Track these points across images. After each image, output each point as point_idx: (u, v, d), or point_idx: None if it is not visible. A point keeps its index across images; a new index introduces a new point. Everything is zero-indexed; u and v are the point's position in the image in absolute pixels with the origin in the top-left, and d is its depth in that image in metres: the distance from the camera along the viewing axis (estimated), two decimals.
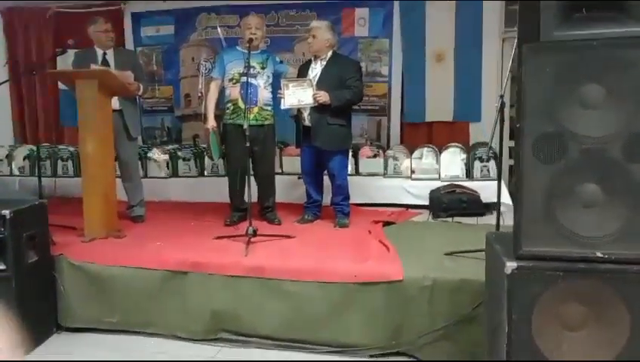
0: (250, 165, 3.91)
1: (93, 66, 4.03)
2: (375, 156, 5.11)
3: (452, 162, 4.87)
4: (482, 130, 5.28)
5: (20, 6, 6.06)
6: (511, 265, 2.16)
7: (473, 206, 4.38)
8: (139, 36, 5.98)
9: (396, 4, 5.32)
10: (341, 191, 4.11)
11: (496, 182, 4.74)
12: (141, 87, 4.23)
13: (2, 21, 6.21)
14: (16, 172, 5.68)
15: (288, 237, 3.73)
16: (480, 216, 4.39)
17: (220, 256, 3.35)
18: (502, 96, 3.07)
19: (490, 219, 4.33)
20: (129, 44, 5.97)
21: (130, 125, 4.23)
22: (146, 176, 5.38)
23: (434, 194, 4.53)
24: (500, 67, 5.26)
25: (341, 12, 5.32)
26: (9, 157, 5.72)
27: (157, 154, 5.44)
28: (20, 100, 6.21)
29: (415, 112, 5.35)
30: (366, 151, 5.13)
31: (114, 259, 3.39)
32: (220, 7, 5.71)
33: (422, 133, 5.42)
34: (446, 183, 4.68)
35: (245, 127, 3.55)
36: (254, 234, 3.55)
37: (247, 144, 3.61)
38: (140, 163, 5.28)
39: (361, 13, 5.44)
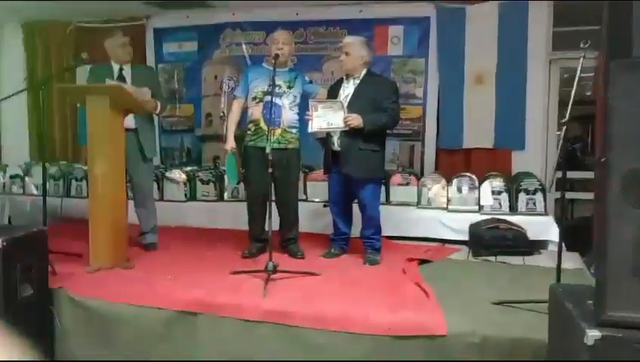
0: (272, 192, 3.55)
1: (108, 82, 3.75)
2: (407, 184, 4.70)
3: (493, 193, 4.42)
4: (526, 159, 4.85)
5: (41, 19, 5.87)
6: (593, 335, 1.74)
7: (519, 244, 3.92)
8: (160, 53, 5.73)
9: (433, 22, 4.95)
10: (372, 224, 3.71)
11: (544, 217, 4.35)
12: (159, 105, 3.94)
13: (22, 34, 6.03)
14: (33, 190, 5.42)
15: (312, 274, 3.34)
16: (527, 256, 3.92)
17: (235, 296, 2.97)
18: (564, 123, 2.63)
19: (538, 260, 3.88)
20: (150, 61, 5.72)
21: (145, 145, 3.93)
22: (162, 199, 5.08)
23: (474, 230, 4.08)
24: (547, 91, 4.84)
25: (373, 29, 4.97)
26: (24, 175, 5.47)
27: (175, 176, 5.12)
28: (36, 116, 5.99)
29: (452, 138, 4.93)
30: (397, 178, 4.73)
31: (118, 294, 3.04)
32: (246, 22, 5.43)
33: (459, 161, 5.00)
34: (487, 217, 4.23)
35: (267, 150, 3.19)
36: (274, 270, 3.17)
37: (270, 170, 3.25)
38: (156, 185, 5.02)
39: (395, 30, 5.09)
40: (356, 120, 3.43)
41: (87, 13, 5.69)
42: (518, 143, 4.86)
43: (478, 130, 4.87)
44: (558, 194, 4.95)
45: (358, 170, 3.56)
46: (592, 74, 5.51)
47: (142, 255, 3.88)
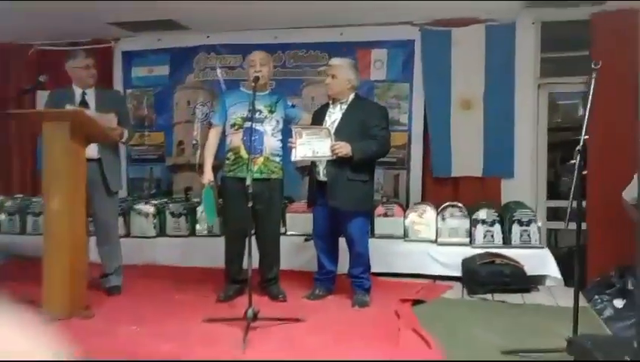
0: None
1: (68, 107, 3.38)
2: (386, 215, 4.41)
3: (485, 225, 4.17)
4: (516, 188, 4.64)
5: (2, 41, 5.47)
6: None
7: (517, 280, 3.66)
8: (129, 77, 5.37)
9: (417, 45, 4.75)
10: (361, 262, 3.40)
11: (539, 250, 4.10)
12: (125, 133, 3.58)
13: None
14: None
15: (297, 320, 2.99)
16: (525, 293, 3.66)
17: (209, 350, 2.61)
18: (580, 150, 2.38)
19: (537, 297, 3.62)
20: (118, 86, 5.35)
21: (109, 177, 3.55)
22: (129, 235, 4.67)
23: (469, 265, 3.81)
24: (536, 116, 4.66)
25: (356, 53, 4.73)
26: None
27: (143, 209, 4.73)
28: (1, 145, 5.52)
29: (440, 166, 4.68)
30: (380, 209, 4.44)
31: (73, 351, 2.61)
32: (221, 45, 5.14)
33: (447, 190, 4.74)
34: (480, 251, 3.97)
35: (248, 182, 2.86)
36: (255, 317, 2.81)
37: (250, 204, 2.91)
38: (122, 219, 4.62)
39: (378, 54, 4.87)
40: (345, 148, 3.14)
41: (51, 36, 5.32)
42: (507, 171, 4.65)
43: (467, 158, 4.65)
44: (552, 224, 4.80)
45: (347, 202, 3.26)
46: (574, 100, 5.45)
47: (104, 301, 3.47)
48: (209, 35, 5.12)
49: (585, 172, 2.48)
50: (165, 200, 5.04)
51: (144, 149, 5.39)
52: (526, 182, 4.65)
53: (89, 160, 3.40)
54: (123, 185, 5.33)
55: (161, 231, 4.72)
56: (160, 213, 4.77)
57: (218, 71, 5.16)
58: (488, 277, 3.63)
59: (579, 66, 4.70)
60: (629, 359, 1.60)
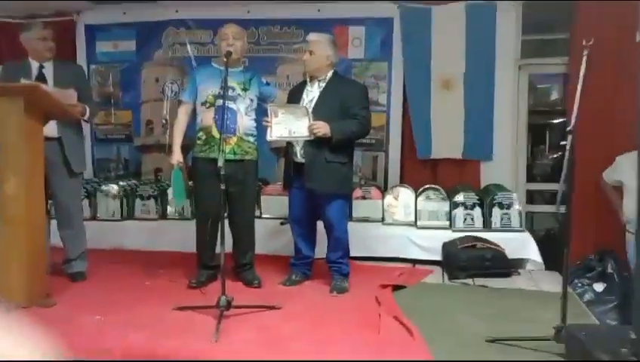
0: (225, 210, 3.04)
1: (23, 81, 3.13)
2: (364, 198, 4.29)
3: (465, 208, 4.08)
4: (495, 171, 4.56)
5: None
6: None
7: (498, 264, 3.59)
8: (93, 52, 5.07)
9: (397, 23, 4.59)
10: (340, 246, 3.27)
11: (520, 233, 4.03)
12: (87, 109, 3.34)
13: None
14: None
15: (272, 308, 2.85)
16: (506, 277, 3.59)
17: (179, 340, 2.45)
18: (570, 131, 2.28)
19: (518, 282, 3.55)
20: (81, 61, 5.03)
21: (71, 157, 3.32)
22: (95, 218, 4.44)
23: (449, 249, 3.72)
24: (516, 98, 4.57)
25: (332, 30, 4.53)
26: None
27: (110, 191, 4.49)
28: None
29: (420, 148, 4.56)
30: (358, 192, 4.31)
31: (31, 342, 2.42)
32: (191, 20, 4.89)
33: (425, 173, 4.63)
34: (461, 235, 3.88)
35: (220, 163, 2.68)
36: (228, 306, 2.66)
37: (223, 186, 2.73)
38: (87, 201, 4.39)
39: (356, 32, 4.70)
40: (323, 128, 2.99)
41: (9, 8, 4.97)
42: (487, 154, 4.56)
43: (447, 140, 4.54)
44: (532, 208, 4.74)
45: (325, 184, 3.11)
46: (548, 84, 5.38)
47: (67, 288, 3.26)
48: (178, 9, 4.85)
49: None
50: (134, 181, 4.82)
51: (110, 128, 5.13)
52: (506, 164, 4.58)
53: (48, 139, 3.16)
54: (88, 165, 5.14)
55: (129, 214, 4.50)
56: (128, 195, 4.55)
57: (188, 47, 4.92)
58: (469, 261, 3.55)
59: (559, 48, 4.64)
60: (626, 351, 1.51)
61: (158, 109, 5.02)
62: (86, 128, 5.00)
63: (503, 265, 3.60)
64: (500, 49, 4.45)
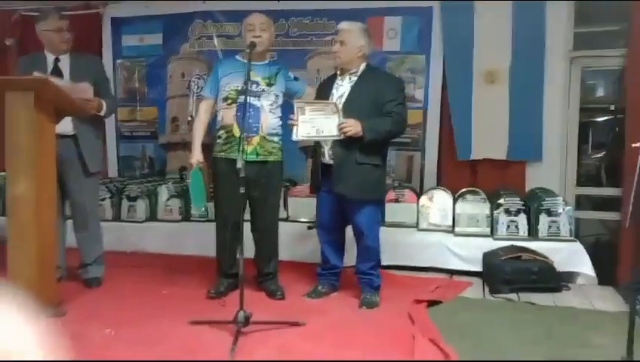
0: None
1: (36, 74, 2.95)
2: (397, 201, 3.99)
3: (509, 214, 3.73)
4: (541, 173, 4.18)
5: None
6: None
7: (546, 278, 3.24)
8: (119, 46, 4.92)
9: (436, 12, 4.26)
10: (370, 256, 2.99)
11: (570, 243, 3.65)
12: (104, 105, 3.15)
13: None
14: None
15: (295, 324, 2.60)
16: (555, 292, 3.24)
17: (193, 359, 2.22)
18: None
19: (569, 298, 3.20)
20: (107, 56, 4.90)
21: (87, 156, 3.15)
22: (118, 219, 4.28)
23: (492, 260, 3.38)
24: (567, 93, 4.18)
25: (366, 21, 4.22)
26: None
27: (132, 191, 4.33)
28: None
29: (460, 148, 4.22)
30: (391, 194, 4.01)
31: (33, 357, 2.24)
32: (218, 12, 4.67)
33: (465, 175, 4.29)
34: (503, 244, 3.54)
35: (239, 165, 2.44)
36: (246, 322, 2.42)
37: (242, 190, 2.49)
38: (109, 202, 4.24)
39: (392, 22, 4.38)
40: (354, 127, 2.70)
41: (35, 1, 4.86)
42: (535, 153, 4.18)
43: (490, 139, 4.18)
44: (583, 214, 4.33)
45: (355, 189, 2.83)
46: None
47: (81, 294, 3.10)
48: (205, 0, 4.64)
49: None
50: (158, 180, 4.66)
51: (135, 125, 4.97)
52: (554, 166, 4.19)
53: (63, 136, 3.02)
54: (113, 164, 5.01)
55: (152, 216, 4.33)
56: (151, 195, 4.38)
57: (215, 40, 4.70)
58: (514, 274, 3.21)
59: (615, 40, 4.23)
60: None
61: (184, 106, 4.83)
62: (111, 125, 4.94)
63: (552, 279, 3.25)
64: (551, 40, 4.06)
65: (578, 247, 3.54)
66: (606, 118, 5.02)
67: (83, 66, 3.19)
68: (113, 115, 4.81)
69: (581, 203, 4.53)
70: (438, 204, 3.94)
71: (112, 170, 5.01)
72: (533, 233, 3.67)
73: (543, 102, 4.12)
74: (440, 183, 4.34)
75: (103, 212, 4.20)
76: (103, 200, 4.24)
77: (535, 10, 4.04)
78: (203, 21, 4.71)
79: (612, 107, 4.87)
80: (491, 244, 3.61)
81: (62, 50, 3.16)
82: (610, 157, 4.71)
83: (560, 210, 3.64)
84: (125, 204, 4.32)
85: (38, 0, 4.66)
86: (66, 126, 3.01)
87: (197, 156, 3.03)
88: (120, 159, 5.01)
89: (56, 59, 3.15)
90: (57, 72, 3.11)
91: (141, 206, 4.28)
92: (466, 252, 3.63)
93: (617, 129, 4.55)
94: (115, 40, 4.93)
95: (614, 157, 4.78)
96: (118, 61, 4.94)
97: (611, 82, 4.88)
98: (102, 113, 3.18)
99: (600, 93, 4.98)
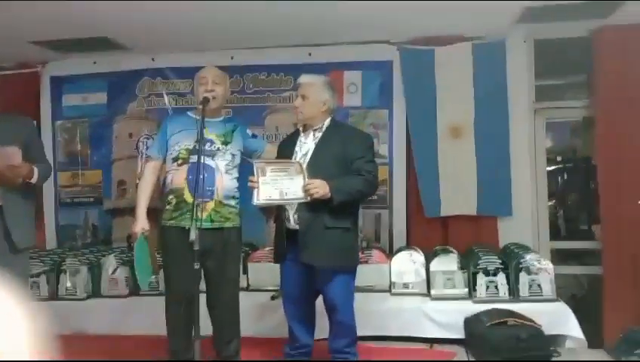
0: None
1: None
2: (366, 262, 3.70)
3: (487, 275, 3.49)
4: (514, 227, 4.01)
5: None
6: None
7: (536, 345, 2.96)
8: (59, 106, 4.55)
9: (396, 67, 4.14)
10: (345, 332, 2.65)
11: (554, 304, 3.42)
12: (35, 171, 2.76)
13: None
14: None
15: None
16: (545, 360, 2.97)
17: None
18: None
19: None
20: (46, 117, 4.54)
21: (14, 230, 2.72)
22: (55, 297, 3.79)
23: (475, 328, 3.10)
24: (533, 145, 4.08)
25: (326, 75, 4.08)
26: None
27: (73, 265, 3.86)
28: None
29: (427, 204, 4.02)
30: (360, 255, 3.70)
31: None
32: (168, 69, 4.41)
33: (435, 232, 4.08)
34: (484, 307, 3.27)
35: (193, 237, 2.10)
36: None
37: (196, 265, 2.15)
38: (44, 278, 3.77)
39: (352, 77, 4.23)
40: (321, 187, 2.43)
41: None
42: (505, 208, 4.02)
43: (458, 194, 4.00)
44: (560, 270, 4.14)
45: (325, 257, 2.53)
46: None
47: None
48: (154, 56, 4.39)
49: None
50: (102, 250, 4.21)
51: (77, 191, 4.54)
52: (526, 220, 4.03)
53: None
54: (51, 233, 4.54)
55: (95, 292, 3.86)
56: (94, 267, 3.92)
57: (165, 98, 4.42)
58: (501, 342, 2.93)
59: (577, 90, 4.23)
60: None
61: (132, 168, 4.46)
62: (49, 192, 4.50)
63: (542, 346, 2.98)
64: (514, 91, 3.99)
65: (563, 308, 3.32)
66: (571, 165, 4.98)
67: (11, 129, 2.81)
68: (52, 182, 4.45)
69: (555, 257, 4.37)
70: (409, 264, 3.67)
71: (50, 241, 4.52)
72: (514, 293, 3.44)
73: (509, 155, 4.00)
74: (410, 242, 4.10)
75: (37, 289, 3.74)
76: (37, 275, 3.77)
77: (496, 61, 3.98)
78: (152, 78, 4.44)
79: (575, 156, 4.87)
80: (471, 308, 3.34)
81: None
82: (580, 208, 4.63)
83: (539, 267, 3.43)
84: (63, 278, 3.84)
85: None
86: None
87: (142, 223, 2.67)
88: (59, 228, 4.53)
89: None
90: None
91: (82, 281, 3.81)
92: (445, 317, 3.35)
93: (586, 178, 4.49)
94: (54, 100, 4.56)
95: (584, 208, 4.70)
96: (59, 122, 4.57)
97: (573, 132, 4.89)
98: (33, 180, 2.78)
99: (564, 142, 4.98)
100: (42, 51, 4.27)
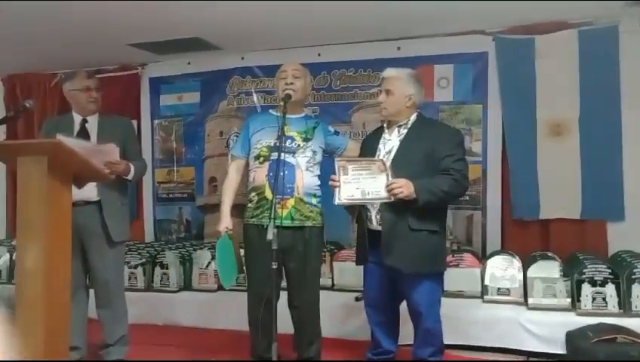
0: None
1: (59, 136, 2.73)
2: (457, 266, 3.49)
3: (594, 285, 3.16)
4: (627, 233, 3.61)
5: (24, 72, 5.05)
6: None
7: None
8: (157, 106, 4.78)
9: (492, 58, 3.88)
10: (431, 340, 2.50)
11: None
12: (132, 168, 2.89)
13: (4, 89, 5.20)
14: None
15: None
16: None
17: None
18: None
19: None
20: (146, 117, 4.79)
21: (111, 224, 2.86)
22: (149, 289, 3.96)
23: (578, 343, 2.80)
24: None
25: (415, 70, 3.91)
26: None
27: (165, 258, 4.02)
28: (12, 186, 5.03)
29: (522, 206, 3.74)
30: (450, 258, 3.51)
31: None
32: (257, 67, 4.46)
33: (534, 236, 3.78)
34: (591, 321, 2.96)
35: (270, 236, 2.06)
36: None
37: (274, 265, 2.11)
38: (141, 270, 3.95)
39: (443, 70, 4.02)
40: (406, 187, 2.29)
41: (74, 63, 4.82)
42: (615, 212, 3.63)
43: (560, 196, 3.67)
44: None
45: (409, 261, 2.39)
46: None
47: None
48: (244, 55, 4.46)
49: None
50: (195, 245, 4.36)
51: (172, 187, 4.75)
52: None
53: (87, 202, 2.77)
54: (149, 228, 4.77)
55: (186, 285, 3.99)
56: (185, 261, 4.06)
57: (254, 96, 4.48)
58: (609, 360, 2.62)
59: None
60: None
61: (222, 165, 4.55)
62: (148, 187, 4.75)
63: None
64: (627, 82, 3.58)
65: None
66: None
67: (111, 128, 2.97)
68: (150, 178, 4.68)
69: None
70: (505, 269, 3.42)
71: (148, 235, 4.77)
72: (624, 307, 3.08)
73: (621, 154, 3.60)
74: (505, 246, 3.83)
75: (135, 280, 3.94)
76: (135, 267, 3.97)
77: (606, 48, 3.59)
78: (242, 77, 4.52)
79: None
80: (574, 321, 3.03)
81: (90, 111, 2.95)
82: None
83: None
84: (158, 271, 4.00)
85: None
86: (89, 192, 2.75)
87: (225, 222, 2.68)
88: (156, 223, 4.76)
89: (84, 121, 2.94)
90: (84, 133, 2.90)
91: (174, 274, 3.95)
92: (544, 330, 3.07)
93: None
94: (153, 100, 4.80)
95: None
96: (156, 121, 4.79)
97: None
98: (129, 177, 2.92)
99: None
100: (140, 53, 4.50)
